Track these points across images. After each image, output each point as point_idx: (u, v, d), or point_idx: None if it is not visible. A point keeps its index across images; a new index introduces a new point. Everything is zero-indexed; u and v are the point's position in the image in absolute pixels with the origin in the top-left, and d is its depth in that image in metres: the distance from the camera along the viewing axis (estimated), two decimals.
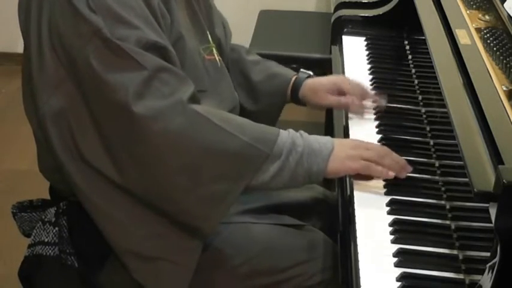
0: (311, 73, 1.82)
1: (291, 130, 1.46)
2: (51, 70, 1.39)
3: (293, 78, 1.80)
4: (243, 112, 1.78)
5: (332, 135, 1.81)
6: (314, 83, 1.79)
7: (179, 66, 1.44)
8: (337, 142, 1.48)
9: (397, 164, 1.47)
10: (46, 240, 1.51)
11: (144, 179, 1.38)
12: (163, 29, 1.43)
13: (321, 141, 1.46)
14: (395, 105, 1.80)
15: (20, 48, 1.45)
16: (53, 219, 1.51)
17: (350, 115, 1.77)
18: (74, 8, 1.35)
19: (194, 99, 1.41)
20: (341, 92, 1.77)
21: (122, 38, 1.35)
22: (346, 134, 1.72)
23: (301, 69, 1.83)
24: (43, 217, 1.53)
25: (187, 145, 1.36)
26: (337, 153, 1.45)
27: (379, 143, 1.62)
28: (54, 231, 1.51)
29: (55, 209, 1.52)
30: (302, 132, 1.47)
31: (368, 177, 1.50)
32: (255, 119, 1.65)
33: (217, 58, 1.66)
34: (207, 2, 1.72)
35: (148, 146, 1.35)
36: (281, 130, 1.45)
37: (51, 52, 1.39)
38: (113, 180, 1.38)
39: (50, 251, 1.50)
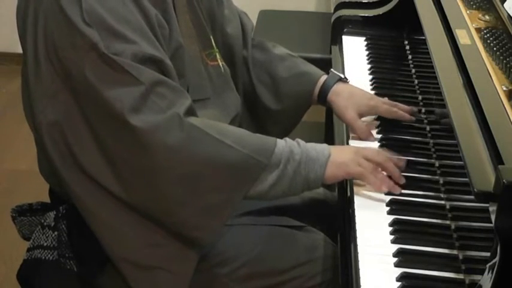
0: (342, 76, 1.74)
1: (287, 139, 1.46)
2: (47, 80, 1.38)
3: (321, 80, 1.73)
4: (265, 112, 1.77)
5: (332, 135, 1.81)
6: (349, 96, 1.70)
7: (176, 79, 1.43)
8: (335, 149, 1.48)
9: (389, 181, 1.47)
10: (45, 244, 1.51)
11: (143, 189, 1.38)
12: (160, 41, 1.42)
13: (318, 148, 1.46)
14: None
15: (19, 49, 1.45)
16: (52, 224, 1.51)
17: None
18: (68, 20, 1.34)
19: (191, 112, 1.41)
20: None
21: (117, 53, 1.34)
22: (346, 134, 1.72)
23: (332, 70, 1.77)
24: (42, 221, 1.53)
25: (185, 158, 1.36)
26: (334, 159, 1.45)
27: (379, 148, 1.61)
28: (53, 235, 1.50)
29: (54, 213, 1.52)
30: (299, 140, 1.47)
31: None
32: (276, 119, 1.62)
33: (220, 64, 1.65)
34: (214, 1, 1.70)
35: (146, 159, 1.35)
36: (278, 139, 1.45)
37: (47, 62, 1.38)
38: (111, 190, 1.38)
39: (49, 255, 1.50)
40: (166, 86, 1.38)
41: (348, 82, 1.75)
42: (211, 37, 1.65)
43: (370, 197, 1.48)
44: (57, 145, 1.39)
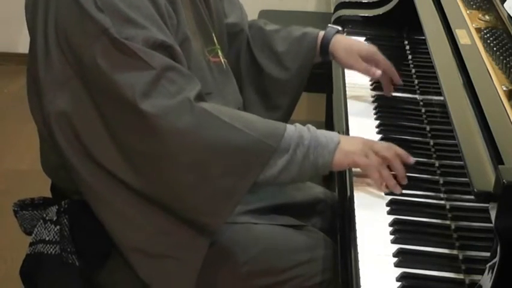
0: (339, 28, 1.84)
1: (297, 124, 1.48)
2: (58, 69, 1.40)
3: (320, 35, 1.81)
4: (274, 82, 1.80)
5: None
6: (351, 45, 1.81)
7: (186, 65, 1.45)
8: (344, 137, 1.50)
9: (392, 179, 1.48)
10: (47, 238, 1.51)
11: (154, 176, 1.39)
12: (169, 30, 1.44)
13: (327, 135, 1.47)
14: (395, 105, 1.80)
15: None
16: (55, 218, 1.51)
17: (350, 113, 1.77)
18: (80, 7, 1.36)
19: (201, 97, 1.42)
20: (371, 62, 1.81)
21: (129, 38, 1.36)
22: (346, 134, 1.72)
23: (329, 25, 1.85)
24: (44, 215, 1.54)
25: (195, 142, 1.38)
26: (343, 147, 1.46)
27: (390, 143, 1.59)
28: (55, 229, 1.51)
29: (56, 207, 1.52)
30: (309, 126, 1.48)
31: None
32: (286, 87, 1.66)
33: (222, 60, 1.67)
34: None
35: (157, 144, 1.37)
36: (288, 125, 1.46)
37: (58, 51, 1.39)
38: (122, 178, 1.39)
39: (51, 250, 1.51)
40: (176, 71, 1.39)
41: (343, 33, 1.85)
42: (213, 34, 1.66)
43: (370, 197, 1.48)
44: (66, 135, 1.40)
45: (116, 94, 1.35)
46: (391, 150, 1.50)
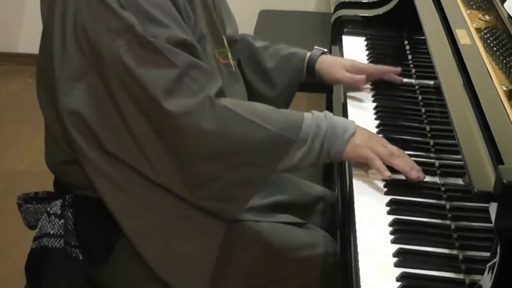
0: (325, 50, 1.87)
1: (314, 112, 1.50)
2: (74, 63, 1.41)
3: (307, 55, 1.85)
4: (261, 99, 1.81)
5: None
6: (333, 61, 1.85)
7: (205, 63, 1.47)
8: (360, 129, 1.51)
9: (407, 165, 1.48)
10: (52, 232, 1.52)
11: (172, 168, 1.41)
12: (188, 28, 1.46)
13: (345, 124, 1.50)
14: (395, 105, 1.80)
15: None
16: (59, 212, 1.52)
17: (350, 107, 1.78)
18: (104, 4, 1.38)
19: (221, 93, 1.45)
20: (358, 72, 1.84)
21: (153, 36, 1.38)
22: None
23: (315, 47, 1.88)
24: (48, 209, 1.54)
25: (217, 139, 1.40)
26: (354, 140, 1.48)
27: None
28: (59, 223, 1.52)
29: (61, 201, 1.53)
30: (327, 112, 1.50)
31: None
32: (274, 103, 1.69)
33: (232, 62, 1.69)
34: (219, 2, 1.74)
35: (178, 141, 1.39)
36: (305, 114, 1.48)
37: (76, 46, 1.41)
38: (138, 169, 1.41)
39: (56, 243, 1.52)
40: (198, 69, 1.42)
41: (328, 54, 1.89)
42: (223, 37, 1.68)
43: (370, 197, 1.48)
44: (80, 128, 1.42)
45: (139, 89, 1.37)
46: (401, 151, 1.51)
